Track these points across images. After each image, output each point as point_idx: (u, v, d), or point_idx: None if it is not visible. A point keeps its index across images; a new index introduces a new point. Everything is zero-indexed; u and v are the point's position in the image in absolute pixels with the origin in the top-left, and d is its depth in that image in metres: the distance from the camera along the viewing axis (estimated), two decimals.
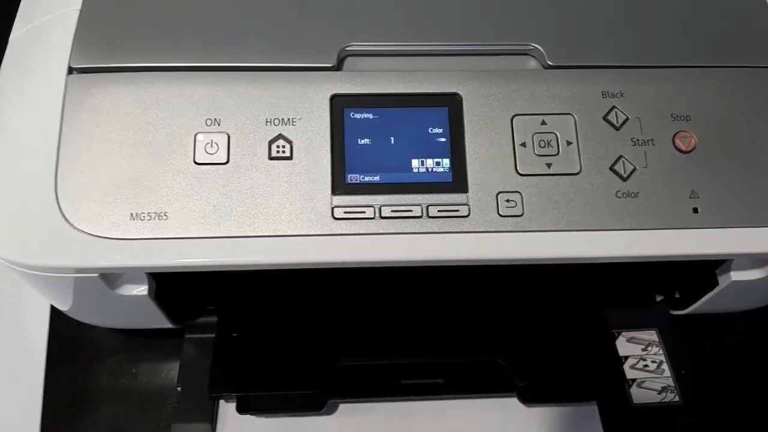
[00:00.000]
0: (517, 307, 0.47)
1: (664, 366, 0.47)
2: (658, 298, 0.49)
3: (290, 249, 0.36)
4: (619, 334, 0.48)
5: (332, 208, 0.36)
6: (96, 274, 0.37)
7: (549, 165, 0.37)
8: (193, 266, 0.35)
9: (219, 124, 0.37)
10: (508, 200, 0.36)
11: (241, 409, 0.43)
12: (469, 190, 0.37)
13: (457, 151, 0.37)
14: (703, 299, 0.44)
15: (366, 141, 0.37)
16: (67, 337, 0.49)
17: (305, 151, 0.37)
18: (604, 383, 0.45)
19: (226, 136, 0.37)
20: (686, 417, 0.45)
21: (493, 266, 0.37)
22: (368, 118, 0.38)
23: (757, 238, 0.37)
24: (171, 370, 0.47)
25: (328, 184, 0.36)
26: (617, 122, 0.38)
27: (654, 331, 0.48)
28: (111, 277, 0.38)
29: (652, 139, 0.38)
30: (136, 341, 0.49)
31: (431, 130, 0.38)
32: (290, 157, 0.37)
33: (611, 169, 0.37)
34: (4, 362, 0.49)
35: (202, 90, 0.37)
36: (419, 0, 0.40)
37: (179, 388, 0.45)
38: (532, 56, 0.39)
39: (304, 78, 0.38)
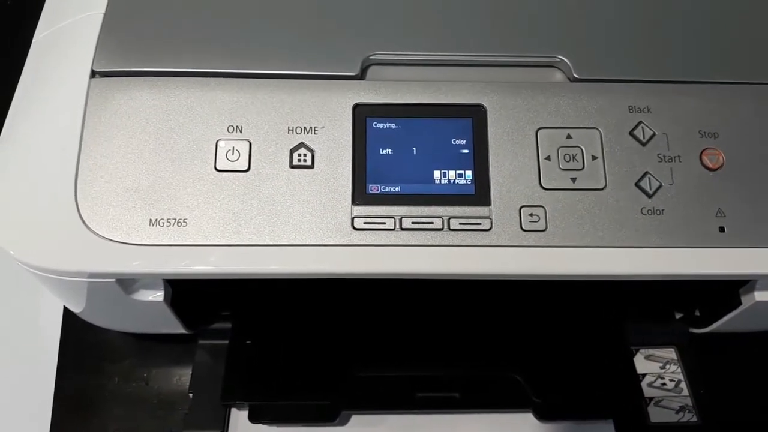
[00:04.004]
0: (535, 322, 0.46)
1: (683, 385, 0.46)
2: (678, 316, 0.48)
3: (309, 259, 0.35)
4: (637, 351, 0.47)
5: (352, 218, 0.36)
6: (113, 279, 0.36)
7: (574, 179, 0.36)
8: (212, 274, 0.35)
9: (241, 132, 0.36)
10: (531, 214, 0.36)
11: (254, 418, 0.43)
12: (492, 203, 0.36)
13: (480, 163, 0.37)
14: (725, 318, 0.44)
15: (388, 151, 0.37)
16: (79, 339, 0.49)
17: (326, 160, 0.36)
18: (621, 401, 0.44)
19: (248, 144, 0.36)
20: None
21: (513, 280, 0.37)
22: (391, 128, 0.37)
23: None
24: (183, 376, 0.47)
25: (348, 193, 0.36)
26: (644, 138, 0.37)
27: (673, 349, 0.48)
28: (127, 282, 0.38)
29: (678, 156, 0.37)
30: (149, 346, 0.48)
31: (454, 141, 0.37)
32: (311, 166, 0.36)
33: (637, 185, 0.37)
34: (17, 363, 0.49)
35: (224, 96, 0.37)
36: (444, 10, 0.40)
37: (191, 395, 0.44)
38: (559, 69, 0.39)
39: (327, 86, 0.37)
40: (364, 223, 0.36)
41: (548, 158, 0.37)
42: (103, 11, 0.39)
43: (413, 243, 0.36)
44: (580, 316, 0.46)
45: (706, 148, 0.37)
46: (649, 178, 0.37)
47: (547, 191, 0.36)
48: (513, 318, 0.46)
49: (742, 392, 0.47)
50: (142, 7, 0.39)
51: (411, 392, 0.43)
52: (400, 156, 0.37)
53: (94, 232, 0.35)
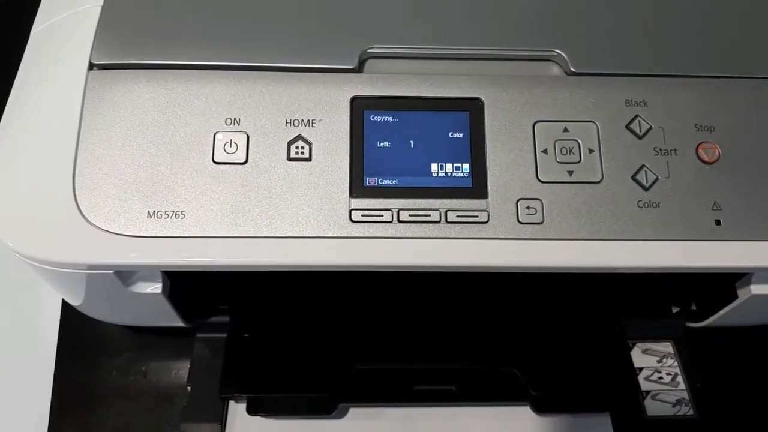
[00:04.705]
0: (532, 316, 0.46)
1: (679, 378, 0.47)
2: (675, 310, 0.49)
3: (307, 251, 0.35)
4: (634, 345, 0.47)
5: (350, 211, 0.36)
6: (111, 271, 0.36)
7: (570, 173, 0.37)
8: (210, 266, 0.35)
9: (239, 124, 0.36)
10: (528, 207, 0.36)
11: (252, 410, 0.43)
12: (489, 196, 0.36)
13: (477, 156, 0.37)
14: (721, 312, 0.44)
15: (385, 144, 0.37)
16: (77, 333, 0.49)
17: (324, 152, 0.36)
18: (617, 394, 0.44)
19: (246, 136, 0.36)
20: (700, 431, 0.45)
21: (510, 273, 0.37)
22: (388, 121, 0.37)
23: None
24: (181, 369, 0.47)
25: (346, 186, 0.36)
26: (640, 131, 0.37)
27: (669, 343, 0.48)
28: (125, 274, 0.38)
29: (675, 149, 0.37)
30: (147, 339, 0.48)
31: (452, 134, 0.37)
32: (309, 159, 0.36)
33: (633, 178, 0.37)
34: (15, 357, 0.49)
35: (222, 89, 0.37)
36: (441, 3, 0.40)
37: (189, 388, 0.45)
38: (555, 62, 0.39)
39: (325, 79, 0.38)
40: (362, 215, 0.36)
41: (545, 151, 0.37)
42: (101, 3, 0.39)
43: (410, 235, 0.36)
44: (577, 309, 0.47)
45: (702, 142, 0.37)
46: (645, 172, 0.37)
47: (544, 184, 0.36)
48: (510, 312, 0.46)
49: (738, 386, 0.47)
50: None
51: (409, 385, 0.43)
52: (398, 149, 0.37)
53: (93, 224, 0.35)
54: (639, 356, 0.47)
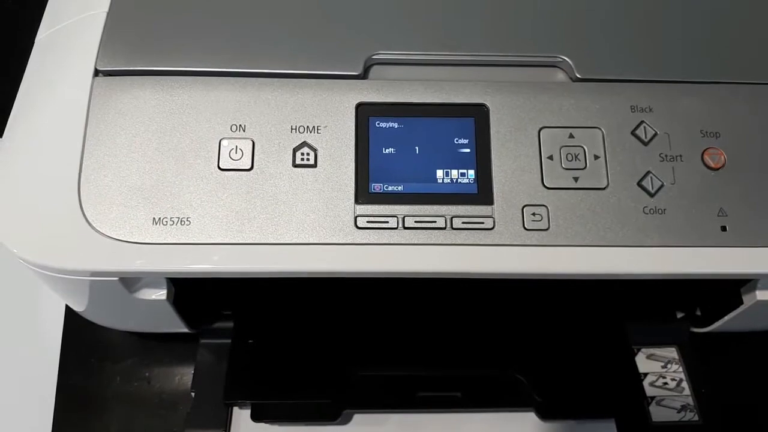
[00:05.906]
0: (537, 321, 0.46)
1: (684, 384, 0.46)
2: (679, 315, 0.49)
3: (312, 257, 0.35)
4: (639, 350, 0.47)
5: (355, 217, 0.36)
6: (116, 278, 0.36)
7: (576, 179, 0.37)
8: (215, 273, 0.35)
9: (244, 130, 0.36)
10: (533, 214, 0.36)
11: (256, 417, 0.43)
12: (495, 202, 0.36)
13: (482, 162, 0.37)
14: (726, 318, 0.44)
15: (391, 150, 0.37)
16: (81, 339, 0.49)
17: (329, 159, 0.36)
18: (622, 400, 0.44)
19: (251, 143, 0.36)
20: None
21: (515, 279, 0.37)
22: (393, 128, 0.37)
23: None
24: (185, 375, 0.47)
25: (351, 192, 0.36)
26: (646, 137, 0.37)
27: (674, 349, 0.48)
28: (130, 281, 0.38)
29: (680, 155, 0.37)
30: (151, 345, 0.48)
31: (457, 140, 0.37)
32: (314, 165, 0.36)
33: (639, 184, 0.37)
34: (18, 363, 0.49)
35: (227, 95, 0.37)
36: (446, 9, 0.40)
37: (193, 394, 0.44)
38: (561, 68, 0.39)
39: (330, 86, 0.38)
40: (367, 222, 0.36)
41: (551, 158, 0.37)
42: (106, 10, 0.39)
43: (416, 242, 0.36)
44: (582, 315, 0.46)
45: (708, 148, 0.37)
46: (651, 178, 0.37)
47: (549, 190, 0.36)
48: (515, 317, 0.46)
49: (743, 391, 0.47)
50: (146, 6, 0.39)
51: (413, 391, 0.43)
52: (403, 155, 0.37)
53: (98, 231, 0.35)
54: (644, 362, 0.47)
